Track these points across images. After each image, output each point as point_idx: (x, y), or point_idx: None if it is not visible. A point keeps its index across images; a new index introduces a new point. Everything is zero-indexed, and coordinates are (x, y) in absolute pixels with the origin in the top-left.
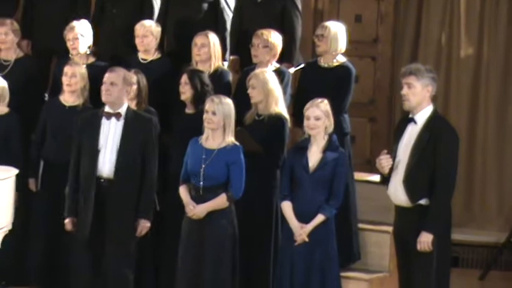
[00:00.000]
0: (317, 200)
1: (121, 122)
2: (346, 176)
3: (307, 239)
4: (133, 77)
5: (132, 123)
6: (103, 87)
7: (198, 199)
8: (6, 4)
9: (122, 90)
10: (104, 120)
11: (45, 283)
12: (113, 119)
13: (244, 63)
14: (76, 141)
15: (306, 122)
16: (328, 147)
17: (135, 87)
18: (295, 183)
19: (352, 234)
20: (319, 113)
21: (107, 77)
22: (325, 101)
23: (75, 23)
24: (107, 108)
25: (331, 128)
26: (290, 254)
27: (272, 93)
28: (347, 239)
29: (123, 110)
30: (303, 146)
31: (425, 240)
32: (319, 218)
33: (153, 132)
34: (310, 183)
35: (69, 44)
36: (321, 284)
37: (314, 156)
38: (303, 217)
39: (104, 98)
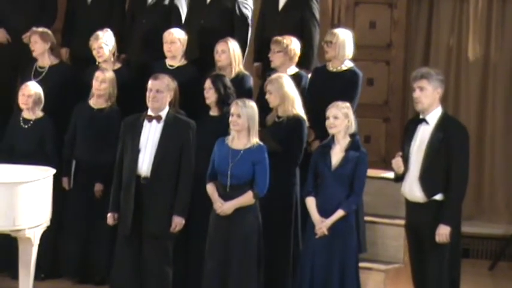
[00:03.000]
0: (338, 196)
1: (161, 125)
2: (366, 174)
3: (326, 232)
4: (174, 82)
5: (171, 126)
6: (150, 95)
7: (225, 196)
8: (47, 15)
9: (166, 96)
10: (145, 123)
11: (78, 276)
12: (154, 121)
13: (266, 69)
14: (120, 143)
15: (326, 122)
16: (351, 147)
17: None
18: (319, 179)
19: (360, 228)
20: (336, 112)
21: (152, 84)
22: (347, 104)
23: (99, 33)
24: (149, 112)
25: (352, 129)
26: (312, 246)
27: (287, 96)
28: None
29: (164, 114)
30: (327, 145)
31: (443, 233)
32: (339, 213)
33: (190, 135)
34: (332, 180)
35: (94, 53)
36: (340, 276)
37: (337, 155)
38: (325, 211)
39: (150, 105)
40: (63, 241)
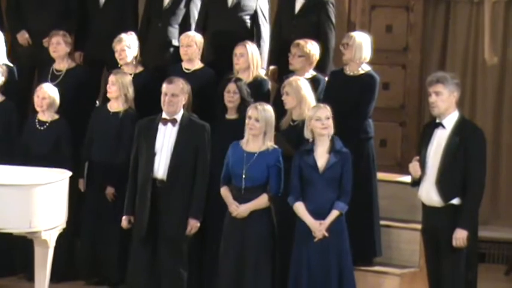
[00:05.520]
0: (329, 198)
1: (176, 128)
2: (352, 173)
3: (327, 234)
4: (187, 86)
5: (187, 129)
6: (165, 99)
7: (240, 199)
8: (69, 20)
9: (182, 100)
10: (160, 126)
11: (93, 278)
12: (169, 124)
13: (282, 72)
14: (135, 146)
15: (317, 123)
16: (333, 149)
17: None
18: (307, 183)
19: (374, 232)
20: (327, 113)
21: (167, 88)
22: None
23: (123, 35)
24: (164, 115)
25: (332, 131)
26: (306, 252)
27: (304, 99)
28: (369, 236)
29: (178, 117)
30: (308, 149)
31: (461, 237)
32: (334, 213)
33: (205, 138)
34: (322, 183)
35: (117, 55)
36: (339, 278)
37: (321, 157)
38: (317, 215)
39: (166, 109)
40: (79, 242)
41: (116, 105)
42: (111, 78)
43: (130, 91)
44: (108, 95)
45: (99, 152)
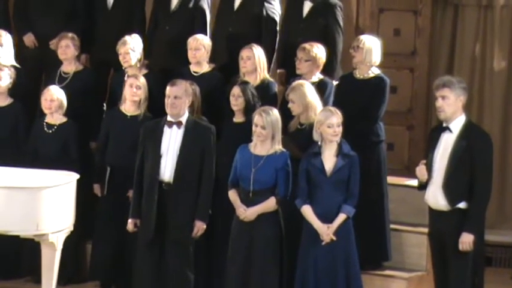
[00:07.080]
0: (337, 201)
1: (182, 130)
2: (360, 177)
3: (334, 238)
4: (193, 86)
5: (192, 131)
6: (169, 101)
7: (248, 202)
8: (75, 23)
9: (185, 102)
10: (166, 129)
11: (108, 282)
12: (174, 127)
13: (290, 75)
14: (140, 149)
15: (328, 130)
16: (340, 152)
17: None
18: (314, 187)
19: (386, 235)
20: (340, 119)
21: (171, 90)
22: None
23: (126, 38)
24: (169, 118)
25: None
26: (313, 255)
27: (310, 104)
28: (380, 240)
29: (184, 119)
30: (315, 152)
31: (467, 241)
32: (342, 216)
33: (211, 140)
34: (330, 186)
35: (121, 58)
36: (346, 281)
37: (329, 160)
38: (324, 218)
39: (170, 111)
40: (93, 246)
41: (133, 109)
42: (136, 82)
43: (147, 94)
44: (132, 99)
45: (117, 156)
